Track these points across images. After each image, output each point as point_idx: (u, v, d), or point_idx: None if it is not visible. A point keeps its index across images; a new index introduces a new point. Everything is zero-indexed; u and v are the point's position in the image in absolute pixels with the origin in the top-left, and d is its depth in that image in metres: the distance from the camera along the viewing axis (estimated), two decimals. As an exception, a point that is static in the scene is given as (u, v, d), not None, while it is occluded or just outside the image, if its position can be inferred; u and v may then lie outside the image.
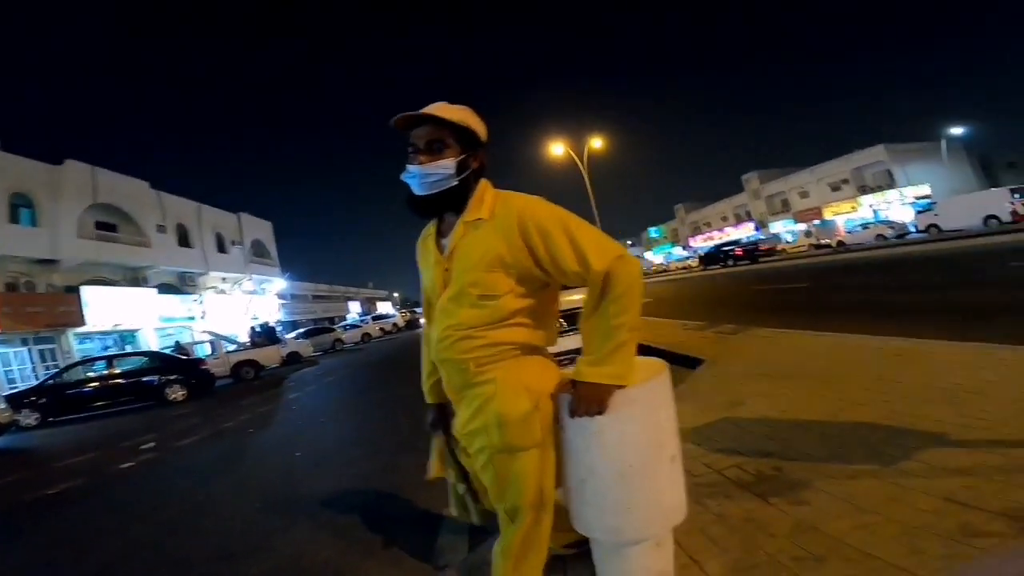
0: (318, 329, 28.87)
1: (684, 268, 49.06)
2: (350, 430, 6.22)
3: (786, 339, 5.22)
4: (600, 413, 1.40)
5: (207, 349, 17.19)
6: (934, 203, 27.80)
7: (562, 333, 1.76)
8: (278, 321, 30.64)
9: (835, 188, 43.20)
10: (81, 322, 19.56)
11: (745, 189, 53.25)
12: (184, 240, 28.55)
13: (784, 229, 46.80)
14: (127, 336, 22.53)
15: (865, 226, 31.26)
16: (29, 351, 18.64)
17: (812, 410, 2.94)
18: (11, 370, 17.67)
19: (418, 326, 34.50)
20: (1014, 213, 21.56)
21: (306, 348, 20.71)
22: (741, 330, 6.29)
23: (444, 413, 1.78)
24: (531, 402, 1.46)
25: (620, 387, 1.40)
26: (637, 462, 1.44)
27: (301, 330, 28.61)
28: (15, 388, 13.33)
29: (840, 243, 31.26)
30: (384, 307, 65.10)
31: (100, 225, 23.08)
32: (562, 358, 2.92)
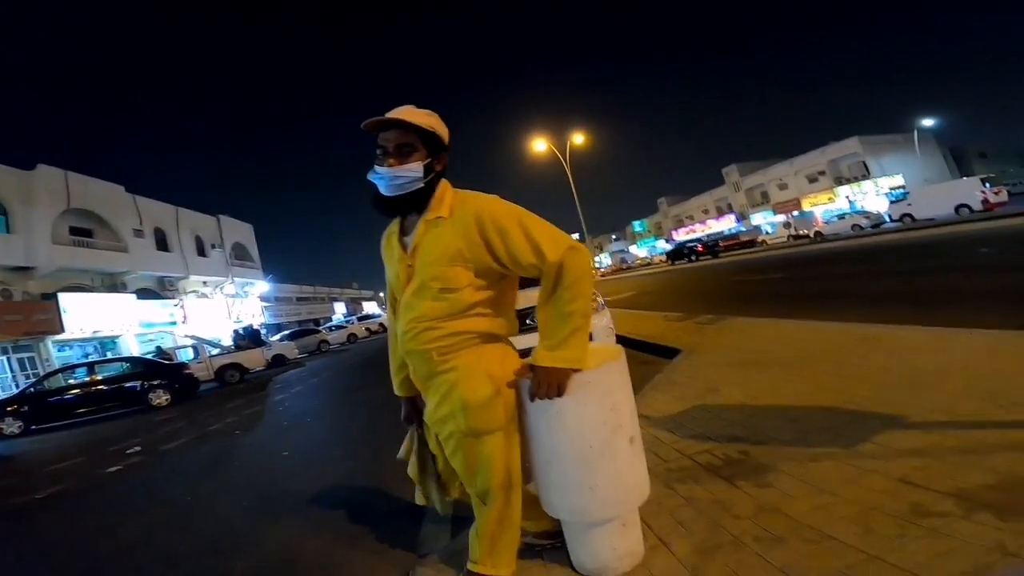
0: (303, 331, 28.65)
1: (661, 262, 49.57)
2: (336, 429, 6.26)
3: (760, 328, 5.36)
4: (559, 396, 1.50)
5: (190, 353, 17.00)
6: (907, 193, 28.43)
7: (522, 331, 1.86)
8: (262, 324, 30.38)
9: (812, 180, 43.94)
10: (60, 329, 19.24)
11: (726, 182, 53.88)
12: (162, 244, 28.17)
13: (764, 221, 47.45)
14: (107, 343, 22.21)
15: (842, 216, 31.81)
16: (8, 359, 18.35)
17: (781, 396, 3.05)
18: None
19: None
20: (984, 202, 22.14)
21: (291, 350, 20.58)
22: (718, 320, 6.42)
23: (416, 405, 1.87)
24: (493, 387, 1.56)
25: (577, 370, 1.50)
26: (597, 443, 1.53)
27: (286, 332, 28.40)
28: None
29: (818, 234, 31.78)
30: (370, 307, 64.77)
31: (75, 230, 22.69)
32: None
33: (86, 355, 20.38)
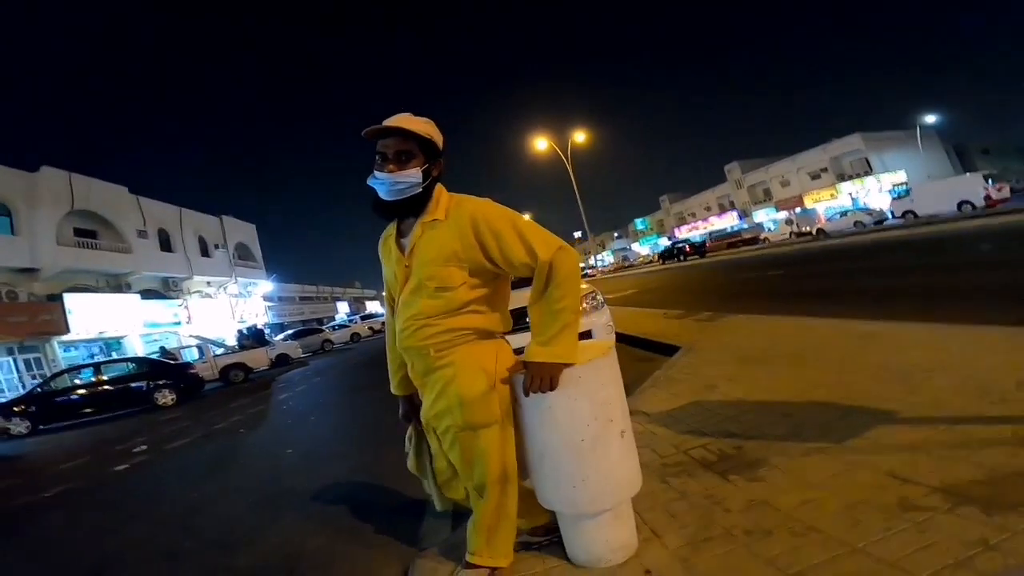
0: (306, 330, 28.73)
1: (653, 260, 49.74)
2: (339, 427, 6.33)
3: (760, 325, 5.39)
4: (551, 390, 1.55)
5: (195, 353, 17.10)
6: (910, 189, 28.35)
7: (517, 330, 1.91)
8: (266, 323, 30.46)
9: (815, 176, 43.83)
10: (65, 330, 19.35)
11: (728, 179, 53.76)
12: (166, 245, 28.28)
13: (767, 218, 47.35)
14: (112, 343, 22.33)
15: (844, 213, 31.74)
16: (14, 360, 18.46)
17: (777, 391, 3.09)
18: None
19: None
20: (987, 198, 22.09)
21: (295, 349, 20.65)
22: (717, 317, 6.46)
23: (413, 403, 1.93)
24: (488, 382, 1.62)
25: (568, 365, 1.55)
26: (588, 437, 1.58)
27: (289, 332, 28.47)
28: (2, 397, 13.21)
29: (820, 231, 31.72)
30: (372, 306, 64.88)
31: (79, 232, 22.80)
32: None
33: (91, 356, 20.51)
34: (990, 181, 22.79)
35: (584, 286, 4.81)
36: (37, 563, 3.23)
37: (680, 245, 38.08)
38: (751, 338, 4.84)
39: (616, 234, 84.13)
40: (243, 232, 37.17)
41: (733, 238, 42.65)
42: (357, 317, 38.53)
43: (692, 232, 57.85)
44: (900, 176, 37.28)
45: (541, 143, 17.53)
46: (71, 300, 19.89)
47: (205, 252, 31.80)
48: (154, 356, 15.69)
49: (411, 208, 1.66)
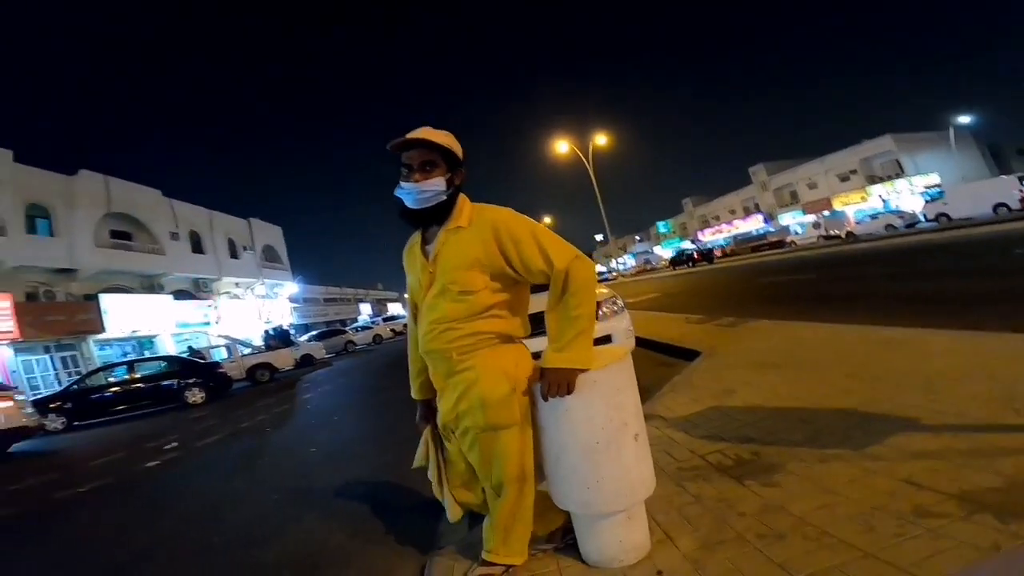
0: (330, 331, 29.12)
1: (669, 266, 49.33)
2: (361, 428, 6.44)
3: (782, 330, 5.33)
4: (568, 394, 1.61)
5: (223, 353, 17.49)
6: (943, 192, 27.56)
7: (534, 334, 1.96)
8: (291, 324, 31.02)
9: (844, 179, 42.85)
10: (101, 329, 20.02)
11: (753, 181, 52.92)
12: (197, 246, 29.01)
13: (793, 221, 46.46)
14: (145, 342, 22.99)
15: (875, 216, 31.02)
16: (51, 358, 19.11)
17: (797, 398, 3.07)
18: (34, 377, 18.11)
19: None
20: (1023, 200, 21.33)
21: (319, 350, 20.92)
22: (740, 323, 6.40)
23: (430, 408, 1.99)
24: (509, 385, 1.68)
25: (584, 370, 1.61)
26: (603, 439, 1.63)
27: (313, 332, 28.91)
28: (39, 394, 13.66)
29: (849, 234, 31.05)
30: (394, 308, 65.51)
31: (115, 234, 23.55)
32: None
33: (125, 354, 21.14)
34: (1027, 183, 22.00)
35: (604, 291, 4.82)
36: (74, 556, 3.34)
37: (689, 252, 40.88)
38: (773, 344, 4.80)
39: (638, 237, 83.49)
40: (270, 234, 37.93)
41: (758, 241, 41.98)
42: (379, 319, 38.98)
43: (716, 235, 57.10)
44: (933, 178, 36.24)
45: (562, 146, 17.53)
46: (106, 300, 20.57)
47: (234, 254, 32.54)
48: (183, 355, 16.08)
49: (436, 216, 1.73)
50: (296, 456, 5.33)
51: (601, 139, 17.65)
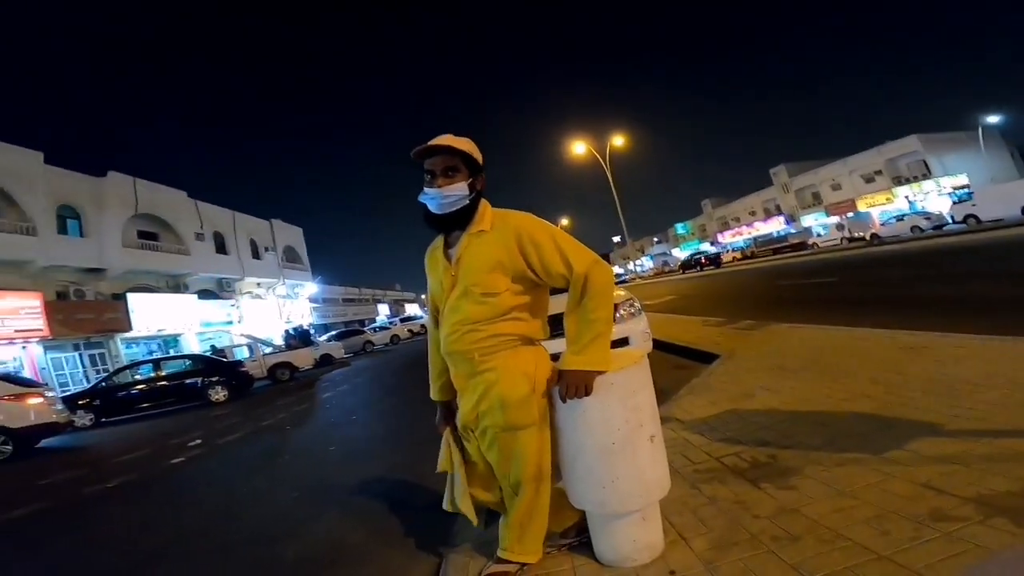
0: (349, 331, 29.49)
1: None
2: (379, 427, 6.52)
3: (802, 334, 5.28)
4: (586, 395, 1.64)
5: (245, 352, 17.79)
6: (972, 193, 26.87)
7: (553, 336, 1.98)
8: (311, 324, 31.43)
9: (868, 180, 42.03)
10: (128, 327, 20.57)
11: (774, 183, 52.19)
12: (221, 247, 29.57)
13: (816, 222, 45.70)
14: (170, 340, 23.52)
15: (900, 218, 30.34)
16: (80, 355, 19.67)
17: (816, 402, 3.05)
18: (63, 374, 18.65)
19: None
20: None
21: (338, 350, 21.20)
22: (759, 326, 6.34)
23: (450, 409, 2.02)
24: (529, 386, 1.72)
25: (601, 372, 1.64)
26: (619, 440, 1.66)
27: (332, 332, 29.29)
28: (67, 391, 14.05)
29: (874, 236, 30.42)
30: (411, 308, 65.92)
31: (142, 234, 24.15)
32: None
33: (150, 352, 21.68)
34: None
35: (621, 293, 4.82)
36: (101, 550, 3.43)
37: (697, 256, 43.30)
38: (793, 348, 4.75)
39: (656, 239, 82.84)
40: (291, 235, 38.50)
41: (779, 243, 41.40)
42: (397, 319, 39.30)
43: (736, 237, 56.41)
44: (961, 179, 35.38)
45: (579, 147, 17.49)
46: (134, 299, 21.14)
47: (256, 254, 33.11)
48: (207, 354, 16.41)
49: (458, 221, 1.78)
50: (315, 455, 5.42)
51: (618, 140, 17.56)
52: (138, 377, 12.90)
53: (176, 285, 25.40)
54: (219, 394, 12.59)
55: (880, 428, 2.43)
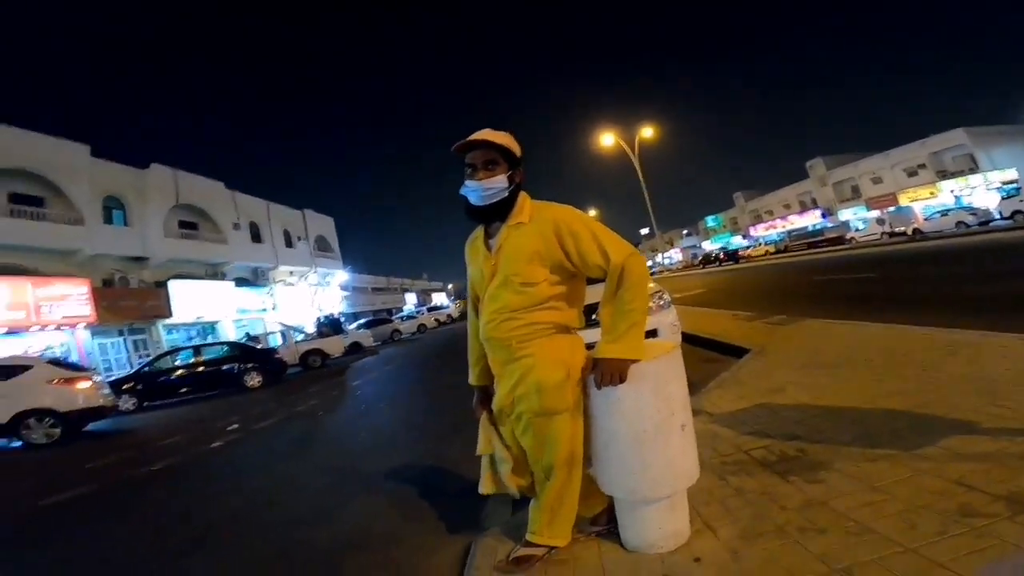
0: (377, 320, 29.85)
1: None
2: (407, 414, 6.64)
3: (837, 330, 5.18)
4: (620, 383, 1.69)
5: (278, 339, 18.17)
6: (1021, 188, 25.64)
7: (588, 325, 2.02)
8: (341, 312, 32.00)
9: (911, 173, 40.46)
10: (168, 314, 21.32)
11: (810, 175, 50.69)
12: (256, 236, 30.27)
13: (854, 216, 44.29)
14: (208, 327, 24.28)
15: (945, 212, 29.16)
16: (124, 341, 20.47)
17: (848, 398, 3.01)
18: (108, 359, 19.44)
19: None
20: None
21: (367, 338, 21.44)
22: (792, 321, 6.24)
23: (487, 394, 2.08)
24: (564, 372, 1.77)
25: (635, 361, 1.68)
26: (651, 427, 1.70)
27: (362, 321, 29.73)
28: (111, 376, 14.55)
29: (916, 231, 29.33)
30: (439, 298, 66.40)
31: (183, 224, 24.94)
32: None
33: (190, 338, 22.39)
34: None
35: (651, 285, 4.81)
36: (147, 532, 3.56)
37: (717, 252, 46.57)
38: (826, 343, 4.68)
39: (685, 231, 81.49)
40: (322, 225, 39.16)
41: (815, 237, 40.29)
42: (424, 308, 39.69)
43: (769, 231, 55.10)
44: (1010, 174, 33.74)
45: (607, 138, 17.26)
46: (174, 287, 21.87)
47: (289, 243, 33.81)
48: (243, 341, 16.82)
49: (498, 212, 1.84)
50: (346, 440, 5.58)
51: (647, 132, 17.28)
52: (178, 363, 13.21)
53: (214, 273, 26.13)
54: (254, 380, 12.86)
55: (914, 425, 2.40)
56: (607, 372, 1.69)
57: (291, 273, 33.19)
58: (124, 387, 12.19)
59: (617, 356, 1.69)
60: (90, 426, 9.23)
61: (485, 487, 2.09)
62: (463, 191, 1.84)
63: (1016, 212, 23.64)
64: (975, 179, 35.29)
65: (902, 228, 33.25)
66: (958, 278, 8.65)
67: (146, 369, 13.11)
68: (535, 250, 1.76)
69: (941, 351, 3.62)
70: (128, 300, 20.07)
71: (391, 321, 29.82)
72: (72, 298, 17.43)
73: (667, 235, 78.41)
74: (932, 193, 37.98)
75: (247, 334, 19.84)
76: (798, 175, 52.70)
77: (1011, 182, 32.21)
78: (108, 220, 20.98)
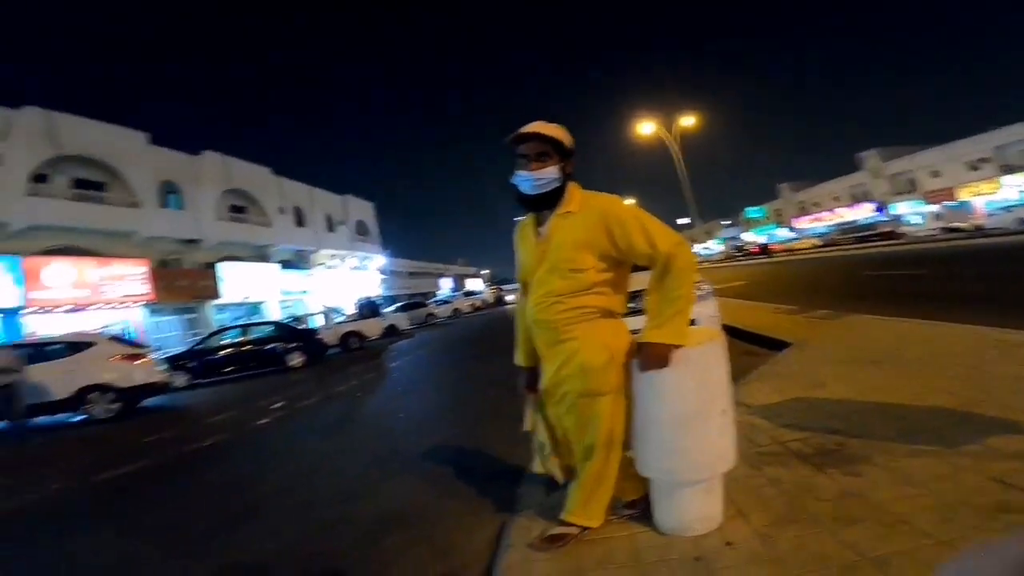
0: (413, 303, 30.03)
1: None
2: (443, 397, 6.78)
3: (884, 326, 5.05)
4: (664, 367, 1.74)
5: (319, 320, 18.62)
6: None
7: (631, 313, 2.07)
8: (379, 295, 32.59)
9: (973, 167, 38.17)
10: (218, 295, 22.29)
11: (863, 167, 48.49)
12: (300, 220, 31.15)
13: (910, 211, 42.23)
14: (253, 307, 25.20)
15: (1008, 209, 27.53)
16: (178, 319, 21.50)
17: (891, 394, 2.97)
18: (161, 337, 20.41)
19: (505, 303, 36.73)
20: None
21: (403, 321, 21.62)
22: (836, 316, 6.09)
23: (534, 374, 2.15)
24: (608, 355, 1.84)
25: (679, 347, 1.73)
26: (692, 411, 1.75)
27: (398, 304, 30.13)
28: (165, 353, 14.97)
29: (977, 227, 27.81)
30: (473, 284, 66.62)
31: (232, 208, 25.91)
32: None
33: (236, 318, 23.22)
34: None
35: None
36: (202, 505, 3.73)
37: (747, 245, 48.45)
38: (871, 339, 4.57)
39: (725, 222, 79.33)
40: (362, 209, 39.90)
41: (866, 231, 38.69)
42: (459, 293, 39.99)
43: (816, 223, 53.16)
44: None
45: (647, 127, 16.88)
46: (223, 268, 22.80)
47: (330, 227, 34.64)
48: (287, 321, 17.30)
49: (548, 201, 1.91)
50: (385, 421, 5.74)
51: (688, 120, 16.83)
52: (227, 341, 13.57)
53: (260, 256, 27.03)
54: (296, 360, 13.17)
55: (957, 423, 2.36)
56: (651, 356, 1.75)
57: (332, 256, 33.98)
58: (178, 364, 12.52)
59: (661, 341, 1.74)
60: (145, 402, 9.47)
61: (537, 467, 2.17)
62: (514, 180, 1.92)
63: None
64: (1045, 174, 33.11)
65: (960, 224, 31.60)
66: (1014, 277, 8.22)
67: (199, 347, 13.55)
68: (583, 238, 1.82)
69: (992, 351, 3.51)
70: (182, 280, 21.05)
71: (426, 305, 30.12)
72: (131, 278, 18.43)
73: (706, 225, 76.51)
74: (995, 188, 35.85)
75: (292, 315, 20.39)
76: (846, 168, 50.57)
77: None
78: (164, 204, 21.96)
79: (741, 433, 2.69)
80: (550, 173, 1.87)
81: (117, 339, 10.19)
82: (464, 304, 32.62)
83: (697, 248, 46.54)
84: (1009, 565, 0.41)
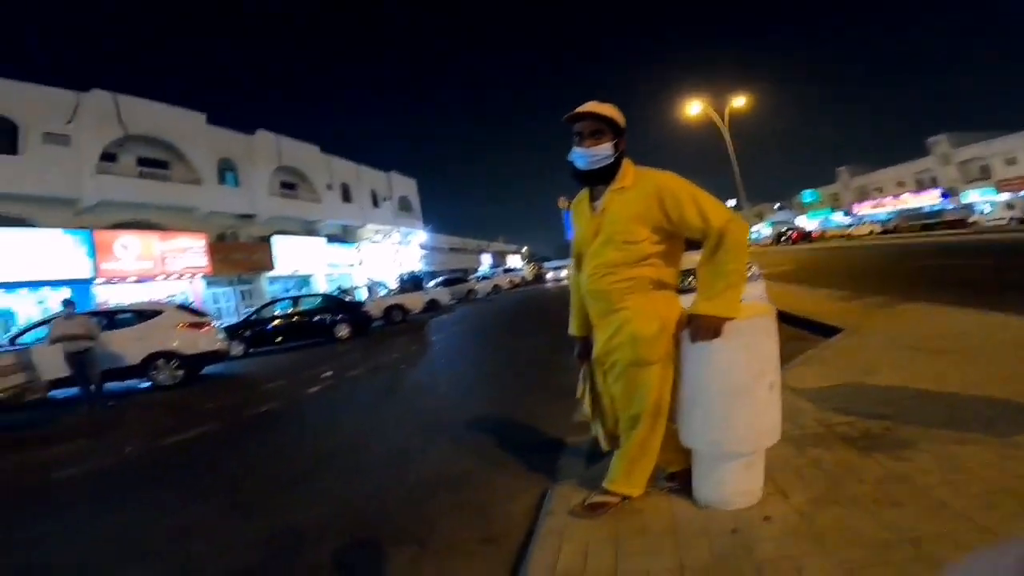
0: (454, 279, 30.38)
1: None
2: (484, 370, 6.92)
3: (942, 316, 4.86)
4: (715, 338, 1.78)
5: (364, 293, 19.06)
6: None
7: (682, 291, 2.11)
8: (421, 270, 33.13)
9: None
10: (271, 267, 23.22)
11: (931, 153, 45.54)
12: (346, 196, 31.86)
13: (981, 199, 39.54)
14: (303, 280, 26.16)
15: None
16: (234, 290, 22.56)
17: (945, 383, 2.90)
18: (219, 307, 21.49)
19: (544, 281, 37.36)
20: None
21: (444, 296, 21.95)
22: (892, 304, 5.89)
23: (587, 344, 2.23)
24: (659, 325, 1.90)
25: (730, 319, 1.77)
26: (740, 384, 1.79)
27: (440, 279, 30.49)
28: (223, 322, 15.63)
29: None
30: (513, 260, 66.54)
31: (284, 184, 26.78)
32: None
33: (286, 290, 24.23)
34: None
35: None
36: (264, 464, 3.98)
37: (788, 232, 48.77)
38: (928, 328, 4.42)
39: (777, 205, 76.22)
40: (405, 186, 40.39)
41: (932, 219, 36.53)
42: (499, 270, 40.09)
43: (877, 209, 50.51)
44: None
45: (695, 107, 16.33)
46: (276, 242, 23.71)
47: (375, 203, 35.28)
48: (335, 294, 17.87)
49: (603, 177, 1.98)
50: (428, 391, 5.95)
51: (739, 101, 16.19)
52: (278, 312, 14.09)
53: (309, 230, 27.90)
54: (343, 331, 13.53)
55: (1010, 414, 2.31)
56: (702, 328, 1.79)
57: (376, 231, 34.66)
58: (236, 333, 13.03)
59: (713, 313, 1.78)
60: (206, 369, 9.85)
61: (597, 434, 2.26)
62: (571, 156, 2.00)
63: None
64: None
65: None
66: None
67: (253, 317, 14.07)
68: (637, 212, 1.88)
69: (1057, 344, 3.35)
70: (238, 254, 22.01)
71: (467, 281, 30.41)
72: (191, 251, 19.41)
73: (756, 208, 73.76)
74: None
75: (340, 288, 20.96)
76: (912, 153, 47.58)
77: None
78: (222, 181, 22.88)
79: (785, 415, 2.67)
80: (604, 150, 1.93)
81: (183, 308, 10.55)
82: (504, 281, 32.79)
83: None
84: (1019, 567, 0.41)
